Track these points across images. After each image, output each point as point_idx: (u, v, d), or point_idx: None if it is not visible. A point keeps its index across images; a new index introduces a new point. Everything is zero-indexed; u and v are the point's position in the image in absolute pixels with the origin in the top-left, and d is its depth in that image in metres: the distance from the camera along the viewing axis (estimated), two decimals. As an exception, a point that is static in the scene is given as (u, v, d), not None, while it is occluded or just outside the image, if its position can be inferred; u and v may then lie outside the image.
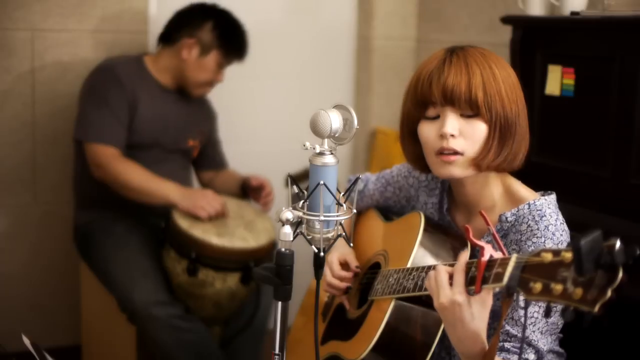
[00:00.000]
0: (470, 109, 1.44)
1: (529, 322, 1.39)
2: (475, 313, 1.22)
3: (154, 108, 2.56)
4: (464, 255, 1.24)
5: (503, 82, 1.46)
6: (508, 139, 1.47)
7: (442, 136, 1.45)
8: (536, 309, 1.39)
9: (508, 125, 1.46)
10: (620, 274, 0.94)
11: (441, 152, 1.46)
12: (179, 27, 2.58)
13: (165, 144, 2.61)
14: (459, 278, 1.22)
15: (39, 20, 2.71)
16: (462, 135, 1.46)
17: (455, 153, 1.45)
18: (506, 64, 1.51)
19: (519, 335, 1.38)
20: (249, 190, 2.72)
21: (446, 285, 1.24)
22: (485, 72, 1.45)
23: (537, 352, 1.40)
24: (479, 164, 1.47)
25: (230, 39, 2.60)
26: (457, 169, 1.47)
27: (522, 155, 1.52)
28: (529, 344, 1.39)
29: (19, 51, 2.70)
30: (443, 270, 1.26)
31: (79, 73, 2.70)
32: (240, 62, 2.66)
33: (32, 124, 2.76)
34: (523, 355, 1.38)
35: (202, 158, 2.82)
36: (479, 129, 1.45)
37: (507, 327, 1.40)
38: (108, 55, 2.74)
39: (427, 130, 1.49)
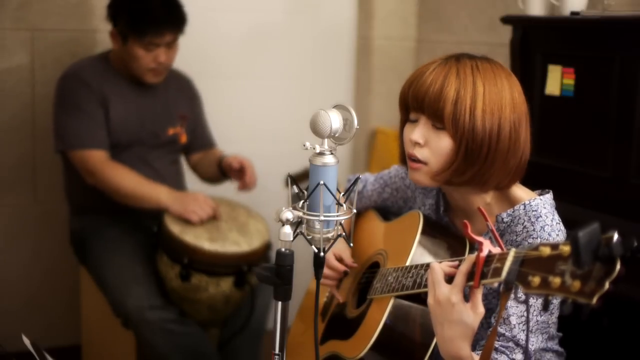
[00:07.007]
0: (437, 121, 1.43)
1: (517, 321, 1.39)
2: (465, 318, 1.22)
3: (126, 105, 2.51)
4: (471, 258, 1.23)
5: (484, 101, 1.40)
6: (475, 159, 1.42)
7: (410, 142, 1.47)
8: (523, 309, 1.38)
9: (477, 146, 1.41)
10: (618, 266, 0.94)
11: (410, 158, 1.48)
12: (111, 19, 2.49)
13: (145, 140, 2.55)
14: (460, 280, 1.22)
15: (39, 20, 2.71)
16: (427, 145, 1.46)
17: (419, 161, 1.46)
18: (506, 80, 1.44)
19: (507, 334, 1.38)
20: (230, 172, 2.60)
21: (443, 283, 1.25)
22: (465, 87, 1.40)
23: (525, 351, 1.39)
24: (440, 178, 1.46)
25: (142, 19, 2.40)
26: (421, 177, 1.48)
27: (497, 178, 1.45)
28: (517, 344, 1.38)
29: (19, 51, 2.70)
30: (439, 268, 1.27)
31: (79, 73, 2.70)
32: (176, 33, 2.45)
33: (32, 123, 2.77)
34: (511, 355, 1.38)
35: (190, 140, 2.71)
36: (443, 143, 1.43)
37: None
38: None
39: (404, 133, 1.51)
